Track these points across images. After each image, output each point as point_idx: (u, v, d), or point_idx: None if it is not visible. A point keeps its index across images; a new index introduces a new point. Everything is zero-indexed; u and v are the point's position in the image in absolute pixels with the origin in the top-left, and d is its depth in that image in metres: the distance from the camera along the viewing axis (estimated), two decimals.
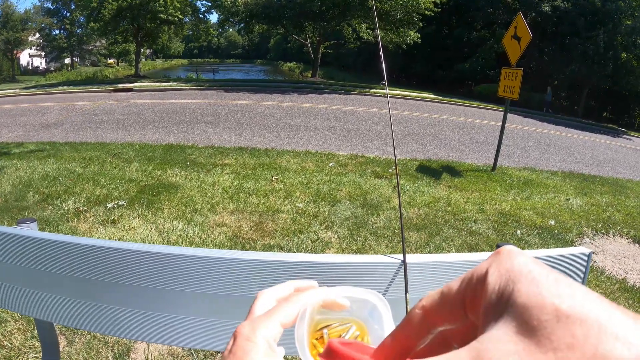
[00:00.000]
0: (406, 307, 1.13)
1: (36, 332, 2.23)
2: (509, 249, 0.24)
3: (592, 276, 3.52)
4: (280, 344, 0.37)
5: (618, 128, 20.63)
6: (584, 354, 0.18)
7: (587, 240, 4.44)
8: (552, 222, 4.74)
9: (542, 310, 0.20)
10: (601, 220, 5.01)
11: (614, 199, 6.11)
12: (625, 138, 17.07)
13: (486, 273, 0.24)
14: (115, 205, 4.30)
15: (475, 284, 0.24)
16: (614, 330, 0.18)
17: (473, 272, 0.25)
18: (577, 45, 21.87)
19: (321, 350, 0.39)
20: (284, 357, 0.36)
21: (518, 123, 14.88)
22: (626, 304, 3.11)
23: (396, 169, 1.01)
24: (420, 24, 22.32)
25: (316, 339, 0.41)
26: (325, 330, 0.41)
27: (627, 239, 4.59)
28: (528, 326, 0.19)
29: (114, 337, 2.24)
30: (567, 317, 0.19)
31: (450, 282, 0.26)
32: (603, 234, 4.65)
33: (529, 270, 0.22)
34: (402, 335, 0.29)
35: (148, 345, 2.22)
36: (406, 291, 1.15)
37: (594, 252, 4.11)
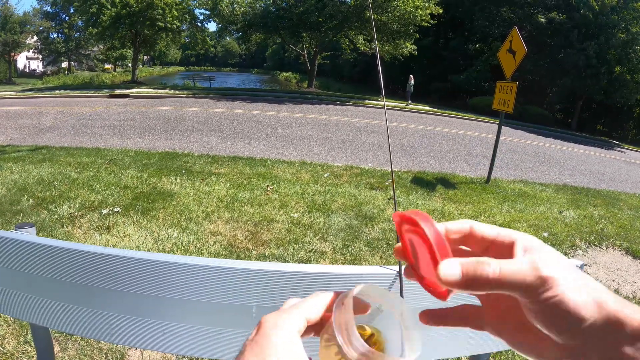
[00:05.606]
0: None
1: (29, 336, 2.22)
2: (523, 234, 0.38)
3: None
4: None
5: (611, 141, 20.84)
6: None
7: (580, 252, 4.48)
8: (545, 234, 4.77)
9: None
10: (594, 233, 5.05)
11: (607, 211, 6.17)
12: (619, 150, 17.25)
13: (515, 240, 0.38)
14: (110, 212, 4.29)
15: (503, 242, 0.39)
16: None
17: (499, 234, 0.41)
18: (570, 57, 22.12)
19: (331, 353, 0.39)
20: None
21: (512, 136, 15.00)
22: None
23: (392, 182, 1.03)
24: (417, 35, 22.52)
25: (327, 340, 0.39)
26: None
27: (619, 250, 4.63)
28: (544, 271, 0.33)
29: (108, 344, 2.24)
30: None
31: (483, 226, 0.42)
32: (596, 246, 4.69)
33: (542, 245, 0.36)
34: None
35: (142, 352, 2.22)
36: None
37: (586, 264, 4.14)
